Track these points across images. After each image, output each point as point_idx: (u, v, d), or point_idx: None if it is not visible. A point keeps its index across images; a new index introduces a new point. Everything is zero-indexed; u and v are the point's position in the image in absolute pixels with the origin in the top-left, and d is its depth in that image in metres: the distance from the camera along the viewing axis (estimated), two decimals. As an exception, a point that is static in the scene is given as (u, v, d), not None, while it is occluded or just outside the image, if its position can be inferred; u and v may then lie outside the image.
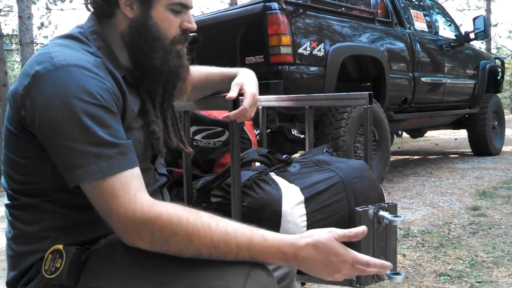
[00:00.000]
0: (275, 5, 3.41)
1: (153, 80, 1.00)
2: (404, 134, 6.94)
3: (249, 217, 1.21)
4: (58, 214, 0.91)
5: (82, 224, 0.92)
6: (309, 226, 1.20)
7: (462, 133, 8.03)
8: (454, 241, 2.59)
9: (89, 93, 0.83)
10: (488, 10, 19.77)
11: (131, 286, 0.85)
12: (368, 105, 1.39)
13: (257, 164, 1.45)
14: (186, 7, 1.00)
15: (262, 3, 3.46)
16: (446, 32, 5.70)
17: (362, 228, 0.84)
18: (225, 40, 3.72)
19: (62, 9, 20.25)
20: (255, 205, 1.23)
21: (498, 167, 5.14)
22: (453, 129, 6.51)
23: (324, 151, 1.51)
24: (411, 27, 4.88)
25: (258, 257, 0.83)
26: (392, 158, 5.98)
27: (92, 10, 0.99)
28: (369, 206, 1.07)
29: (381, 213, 1.05)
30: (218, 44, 3.70)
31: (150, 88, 1.01)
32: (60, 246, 0.87)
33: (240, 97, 1.19)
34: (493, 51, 21.84)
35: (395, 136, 6.60)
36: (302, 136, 4.35)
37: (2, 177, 0.96)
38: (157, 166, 1.11)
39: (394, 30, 4.61)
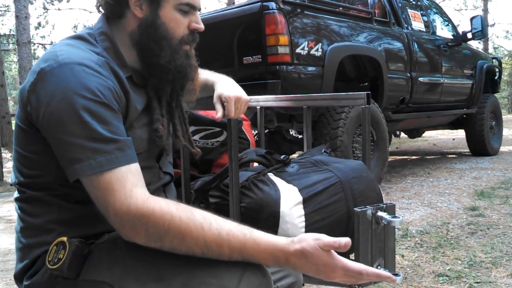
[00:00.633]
0: (272, 4, 3.41)
1: (159, 77, 1.02)
2: (402, 134, 6.95)
3: (247, 217, 1.20)
4: (63, 208, 0.94)
5: (86, 218, 0.95)
6: (308, 227, 1.20)
7: (460, 133, 8.06)
8: (452, 242, 2.59)
9: (90, 90, 0.85)
10: (486, 10, 19.83)
11: (127, 279, 0.87)
12: (366, 105, 1.39)
13: (255, 164, 1.44)
14: (194, 7, 1.03)
15: (259, 3, 3.45)
16: (443, 32, 5.71)
17: (345, 240, 0.81)
18: (222, 40, 3.71)
19: (59, 9, 20.26)
20: (253, 206, 1.22)
21: (496, 167, 5.14)
22: (451, 129, 6.52)
23: (322, 151, 1.51)
24: (409, 27, 4.89)
25: (250, 260, 0.84)
26: (390, 158, 5.98)
27: (102, 12, 1.02)
28: (368, 206, 1.06)
29: (380, 213, 1.05)
30: (215, 44, 3.70)
31: (157, 86, 1.03)
32: (64, 238, 0.90)
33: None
34: (491, 51, 21.89)
35: (393, 136, 6.62)
36: (300, 136, 4.35)
37: (12, 172, 1.00)
38: (162, 165, 1.12)
39: (392, 30, 4.62)
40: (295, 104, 1.78)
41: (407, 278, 2.10)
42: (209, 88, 1.31)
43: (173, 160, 1.54)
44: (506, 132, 8.12)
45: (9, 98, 12.69)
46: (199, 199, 1.35)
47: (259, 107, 1.71)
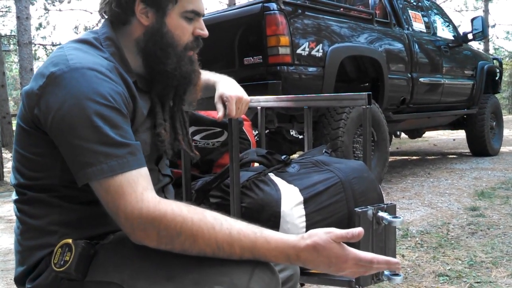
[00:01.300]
0: (273, 5, 3.41)
1: (165, 84, 1.03)
2: (403, 135, 6.95)
3: (248, 218, 1.20)
4: (65, 209, 0.94)
5: (89, 220, 0.95)
6: (308, 227, 1.20)
7: (461, 134, 8.05)
8: (452, 242, 2.59)
9: (102, 95, 0.86)
10: (486, 11, 19.83)
11: (138, 279, 0.87)
12: (367, 106, 1.39)
13: (256, 164, 1.44)
14: (199, 14, 1.04)
15: (260, 4, 3.46)
16: (444, 32, 5.71)
17: (358, 230, 0.83)
18: (223, 40, 3.71)
19: (60, 10, 20.22)
20: (254, 206, 1.23)
21: (496, 167, 5.14)
22: (452, 129, 6.52)
23: (323, 151, 1.51)
24: (410, 28, 4.89)
25: (261, 258, 0.85)
26: (391, 158, 5.98)
27: (106, 17, 1.02)
28: (368, 206, 1.06)
29: (380, 214, 1.05)
30: (216, 45, 3.70)
31: (162, 92, 1.04)
32: (70, 240, 0.89)
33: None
34: (491, 51, 21.85)
35: (393, 137, 6.61)
36: (300, 136, 4.35)
37: (11, 173, 0.98)
38: (161, 167, 1.13)
39: (393, 30, 4.62)
40: (295, 104, 1.78)
41: (407, 278, 2.10)
42: (210, 88, 1.32)
43: (174, 161, 1.55)
44: (506, 132, 8.11)
45: (9, 98, 12.67)
46: (200, 199, 1.35)
47: (259, 107, 1.71)
